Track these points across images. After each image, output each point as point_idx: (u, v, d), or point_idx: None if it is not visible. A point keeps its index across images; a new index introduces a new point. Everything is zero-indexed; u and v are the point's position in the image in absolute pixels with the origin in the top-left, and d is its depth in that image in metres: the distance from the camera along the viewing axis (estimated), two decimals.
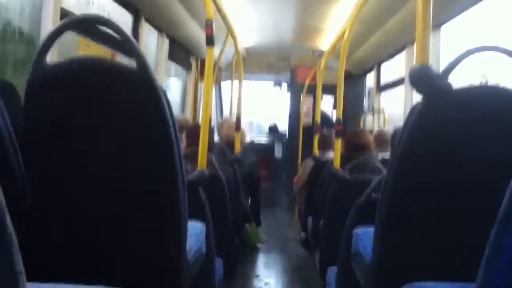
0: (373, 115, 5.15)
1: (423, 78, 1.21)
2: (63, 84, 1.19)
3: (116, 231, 1.29)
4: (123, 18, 3.19)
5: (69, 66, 1.19)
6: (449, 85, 1.20)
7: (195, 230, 1.65)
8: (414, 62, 1.26)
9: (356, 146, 2.90)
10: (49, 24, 1.94)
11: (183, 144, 2.81)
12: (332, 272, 2.29)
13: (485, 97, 1.21)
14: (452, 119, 1.20)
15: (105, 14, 2.82)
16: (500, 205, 0.62)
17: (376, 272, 1.41)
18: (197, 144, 2.01)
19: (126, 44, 1.20)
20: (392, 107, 4.73)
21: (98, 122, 1.21)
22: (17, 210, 1.10)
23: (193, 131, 2.71)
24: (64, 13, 2.09)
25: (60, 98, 1.19)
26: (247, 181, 3.86)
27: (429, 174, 1.25)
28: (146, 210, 1.28)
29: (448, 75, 1.23)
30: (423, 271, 1.29)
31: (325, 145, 3.98)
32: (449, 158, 1.22)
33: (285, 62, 6.50)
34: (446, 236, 1.26)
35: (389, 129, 3.78)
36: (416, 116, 1.21)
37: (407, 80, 3.45)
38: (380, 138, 3.60)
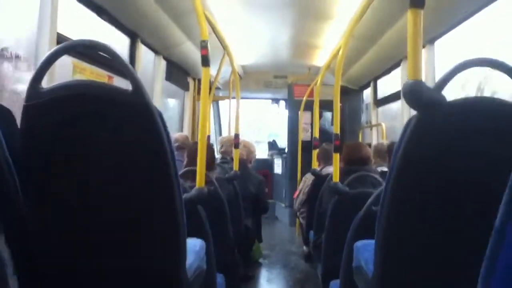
0: (371, 129, 5.17)
1: (415, 93, 1.22)
2: (59, 107, 1.20)
3: (114, 250, 1.29)
4: (120, 41, 3.24)
5: (65, 90, 1.20)
6: (443, 99, 1.20)
7: (195, 247, 1.65)
8: (407, 78, 1.28)
9: (355, 160, 2.90)
10: (45, 49, 1.96)
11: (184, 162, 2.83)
12: (335, 286, 2.28)
13: (479, 109, 1.22)
14: (447, 132, 1.21)
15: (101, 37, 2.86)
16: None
17: (377, 286, 1.41)
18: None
19: (121, 68, 1.22)
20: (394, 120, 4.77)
21: (94, 145, 1.22)
22: (14, 233, 1.10)
23: (193, 150, 2.73)
24: (60, 38, 2.12)
25: (56, 122, 1.20)
26: (252, 197, 3.92)
27: (426, 187, 1.25)
28: (144, 229, 1.29)
29: (442, 88, 1.24)
30: (424, 284, 1.29)
31: (325, 158, 3.98)
32: (445, 170, 1.22)
33: (282, 79, 6.56)
34: (445, 248, 1.26)
35: (387, 142, 3.79)
36: (410, 130, 1.22)
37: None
38: (378, 151, 3.61)
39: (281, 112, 7.36)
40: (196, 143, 2.89)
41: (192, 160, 2.67)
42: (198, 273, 1.60)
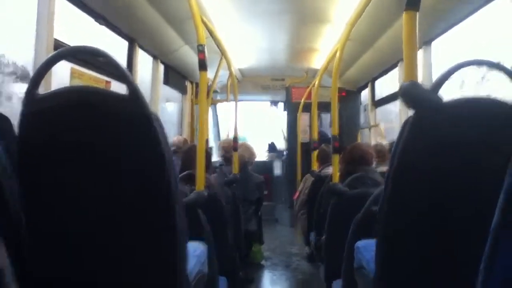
0: (369, 130, 5.18)
1: (411, 94, 1.23)
2: (56, 114, 1.19)
3: (114, 255, 1.29)
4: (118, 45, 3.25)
5: (62, 96, 1.20)
6: (439, 99, 1.21)
7: (196, 251, 1.66)
8: (403, 79, 1.29)
9: (356, 160, 2.90)
10: (42, 55, 1.96)
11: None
12: (337, 286, 2.28)
13: (475, 109, 1.22)
14: (444, 132, 1.22)
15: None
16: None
17: (379, 286, 1.41)
18: (193, 166, 2.02)
19: (118, 73, 1.22)
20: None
21: (91, 151, 1.21)
22: (12, 241, 1.10)
23: (188, 154, 2.72)
24: (57, 44, 2.13)
25: (53, 128, 1.19)
26: (255, 199, 3.95)
27: (424, 186, 1.26)
28: (143, 233, 1.28)
29: (439, 89, 1.25)
30: (426, 283, 1.30)
31: (325, 159, 3.99)
32: (443, 170, 1.23)
33: (280, 82, 6.57)
34: (445, 247, 1.27)
35: (386, 142, 3.81)
36: (408, 130, 1.23)
37: None
38: (377, 151, 3.62)
39: (279, 115, 7.36)
40: (191, 147, 2.89)
41: (187, 164, 2.65)
42: (199, 277, 1.60)
